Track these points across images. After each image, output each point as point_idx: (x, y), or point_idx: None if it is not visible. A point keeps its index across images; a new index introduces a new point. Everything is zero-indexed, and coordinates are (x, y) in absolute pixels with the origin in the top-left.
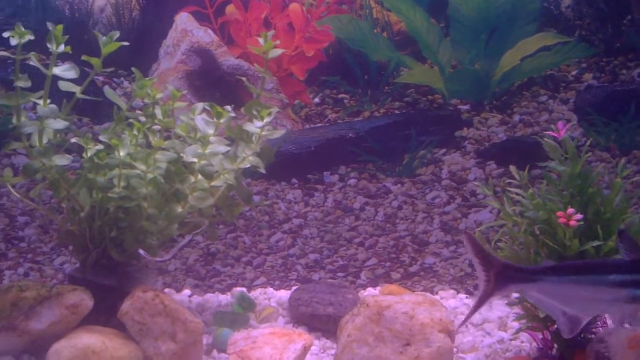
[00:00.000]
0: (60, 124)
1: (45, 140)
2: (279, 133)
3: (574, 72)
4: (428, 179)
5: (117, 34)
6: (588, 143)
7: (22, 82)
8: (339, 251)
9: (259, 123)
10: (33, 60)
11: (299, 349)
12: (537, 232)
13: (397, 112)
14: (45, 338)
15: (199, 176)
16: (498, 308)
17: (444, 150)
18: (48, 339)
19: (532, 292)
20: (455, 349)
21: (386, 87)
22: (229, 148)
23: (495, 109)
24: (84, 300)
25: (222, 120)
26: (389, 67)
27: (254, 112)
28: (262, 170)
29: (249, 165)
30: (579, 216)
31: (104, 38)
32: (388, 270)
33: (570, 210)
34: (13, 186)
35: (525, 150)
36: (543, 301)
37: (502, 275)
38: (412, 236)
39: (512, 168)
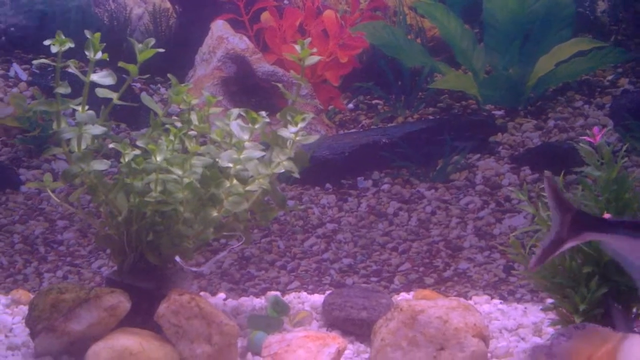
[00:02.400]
0: (98, 129)
1: (83, 146)
2: (313, 138)
3: (609, 77)
4: (462, 184)
5: (152, 41)
6: (624, 148)
7: (62, 89)
8: (372, 256)
9: (293, 128)
10: (72, 68)
11: (333, 353)
12: None
13: (430, 117)
14: (84, 339)
15: (234, 181)
16: (533, 314)
17: (477, 155)
18: (87, 341)
19: (608, 244)
20: (489, 354)
21: (420, 93)
22: (263, 153)
23: (530, 115)
24: (121, 302)
25: (256, 126)
26: (422, 73)
27: (289, 118)
28: (297, 175)
29: (283, 170)
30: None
31: (140, 45)
32: (422, 275)
33: (607, 215)
34: (53, 191)
35: (560, 156)
36: (620, 255)
37: (578, 222)
38: (445, 241)
39: (547, 173)
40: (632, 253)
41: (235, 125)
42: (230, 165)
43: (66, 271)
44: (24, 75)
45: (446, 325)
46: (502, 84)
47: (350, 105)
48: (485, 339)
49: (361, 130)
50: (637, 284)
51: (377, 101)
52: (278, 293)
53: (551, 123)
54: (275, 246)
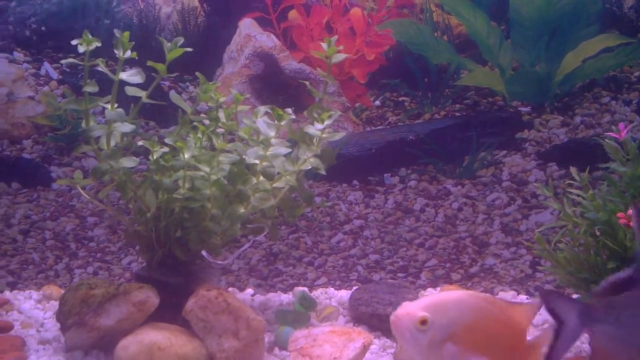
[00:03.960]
0: (127, 127)
1: (113, 144)
2: (340, 135)
3: (636, 74)
4: (488, 181)
5: (181, 40)
6: None
7: (91, 88)
8: (399, 252)
9: (319, 126)
10: (101, 66)
11: (359, 347)
12: (598, 234)
13: (457, 114)
14: (113, 334)
15: (261, 177)
16: None
17: (504, 152)
18: (116, 335)
19: None
20: None
21: (446, 90)
22: (290, 150)
23: (557, 111)
24: (150, 297)
25: (283, 123)
26: (449, 70)
27: (315, 115)
28: (323, 172)
29: (310, 167)
30: (634, 212)
31: (169, 44)
32: (448, 271)
33: (631, 211)
34: (83, 188)
35: (587, 152)
36: None
37: None
38: (472, 237)
39: (573, 169)
40: None
41: (261, 123)
42: (257, 161)
43: (96, 267)
44: (54, 74)
45: None
46: (529, 81)
47: (377, 102)
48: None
49: (388, 127)
50: None
51: (403, 98)
52: (305, 289)
53: (578, 119)
54: (302, 242)
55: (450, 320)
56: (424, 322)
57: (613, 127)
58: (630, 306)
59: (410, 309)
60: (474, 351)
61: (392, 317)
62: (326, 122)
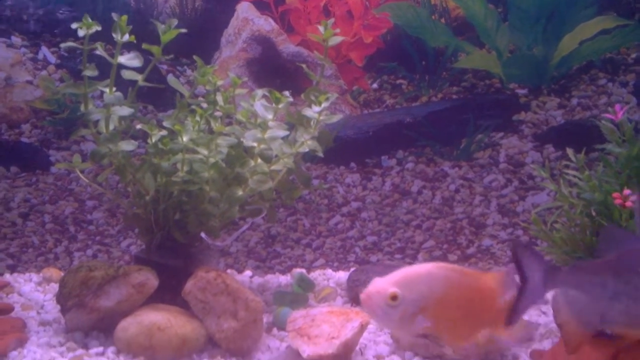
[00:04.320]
0: (125, 111)
1: (111, 127)
2: (337, 118)
3: (633, 55)
4: (485, 163)
5: (175, 22)
6: None
7: (90, 71)
8: (396, 233)
9: (317, 108)
10: (99, 50)
11: (356, 327)
12: (594, 214)
13: (454, 96)
14: (113, 315)
15: (259, 160)
16: None
17: (501, 134)
18: (116, 317)
19: None
20: None
21: (444, 73)
22: (287, 133)
23: (554, 93)
24: (149, 279)
25: (280, 106)
26: (446, 53)
27: (312, 98)
28: (320, 154)
29: (307, 150)
30: (635, 197)
31: (163, 26)
32: (445, 252)
33: (627, 191)
34: (82, 171)
35: (584, 134)
36: None
37: None
38: (469, 219)
39: (569, 151)
40: None
41: (259, 106)
42: (255, 144)
43: (96, 250)
44: (52, 58)
45: None
46: (526, 63)
47: (375, 85)
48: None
49: (385, 109)
50: None
51: (401, 81)
52: (303, 270)
53: (574, 101)
54: (300, 224)
55: (421, 294)
56: (394, 297)
57: (609, 108)
58: (594, 274)
59: (381, 286)
60: (445, 322)
61: (362, 296)
62: (323, 105)
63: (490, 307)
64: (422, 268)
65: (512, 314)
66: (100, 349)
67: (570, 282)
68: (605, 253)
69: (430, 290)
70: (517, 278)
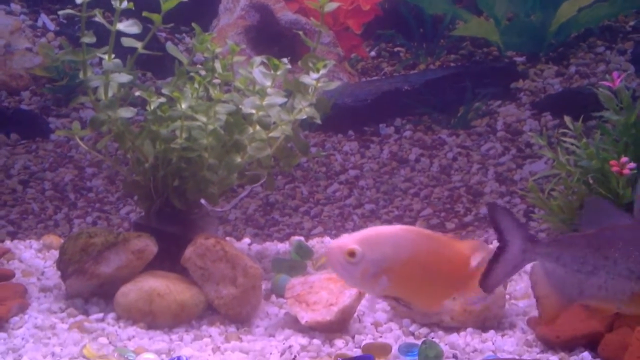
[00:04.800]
0: (124, 77)
1: (110, 94)
2: (335, 84)
3: (631, 23)
4: (483, 131)
5: None
6: None
7: (88, 38)
8: (394, 201)
9: (314, 75)
10: (98, 17)
11: (354, 294)
12: (591, 181)
13: (452, 64)
14: (112, 282)
15: (257, 127)
16: None
17: (499, 102)
18: (116, 283)
19: None
20: (507, 296)
21: (442, 40)
22: (285, 99)
23: (551, 61)
24: (148, 246)
25: (278, 73)
26: (444, 20)
27: (310, 65)
28: (318, 121)
29: (305, 117)
30: (633, 165)
31: None
32: (443, 220)
33: (624, 159)
34: (81, 139)
35: (581, 102)
36: None
37: None
38: (466, 187)
39: (567, 119)
40: None
41: (257, 73)
42: (253, 111)
43: (95, 217)
44: (51, 25)
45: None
46: (524, 31)
47: (373, 53)
48: None
49: (383, 77)
50: None
51: (399, 49)
52: (302, 238)
53: (572, 69)
54: (298, 192)
55: (384, 254)
56: (352, 254)
57: (607, 76)
58: (573, 247)
59: (342, 242)
60: (411, 285)
61: (325, 250)
62: (321, 72)
63: (461, 273)
64: (388, 229)
65: (489, 278)
66: (101, 315)
67: (550, 255)
68: (588, 225)
69: (394, 252)
70: (493, 247)
